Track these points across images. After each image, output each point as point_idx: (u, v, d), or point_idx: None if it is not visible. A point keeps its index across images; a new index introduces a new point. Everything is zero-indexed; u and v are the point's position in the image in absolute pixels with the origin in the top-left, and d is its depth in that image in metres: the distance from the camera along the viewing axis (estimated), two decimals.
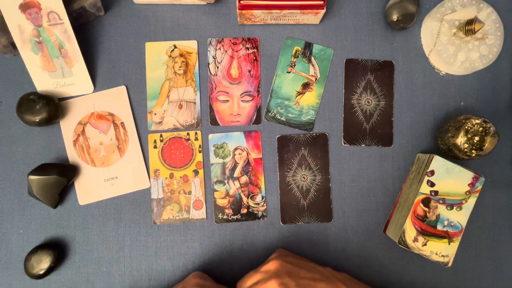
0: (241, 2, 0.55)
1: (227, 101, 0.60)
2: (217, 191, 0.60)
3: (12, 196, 0.58)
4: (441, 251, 0.53)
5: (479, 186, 0.54)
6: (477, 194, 0.54)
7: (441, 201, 0.54)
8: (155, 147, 0.59)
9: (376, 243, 0.60)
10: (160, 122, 0.60)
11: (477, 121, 0.54)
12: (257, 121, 0.60)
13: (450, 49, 0.59)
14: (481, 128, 0.54)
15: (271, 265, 0.51)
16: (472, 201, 0.54)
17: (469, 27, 0.57)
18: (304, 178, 0.60)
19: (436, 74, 0.62)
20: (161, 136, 0.60)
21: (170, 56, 0.60)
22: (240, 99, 0.60)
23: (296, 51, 0.61)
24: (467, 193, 0.54)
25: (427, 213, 0.54)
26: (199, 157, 0.60)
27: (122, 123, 0.59)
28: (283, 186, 0.60)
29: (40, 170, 0.54)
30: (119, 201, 0.59)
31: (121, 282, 0.58)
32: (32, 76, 0.57)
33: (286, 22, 0.60)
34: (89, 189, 0.59)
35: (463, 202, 0.54)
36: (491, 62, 0.59)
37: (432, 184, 0.54)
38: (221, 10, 0.61)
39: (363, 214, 0.61)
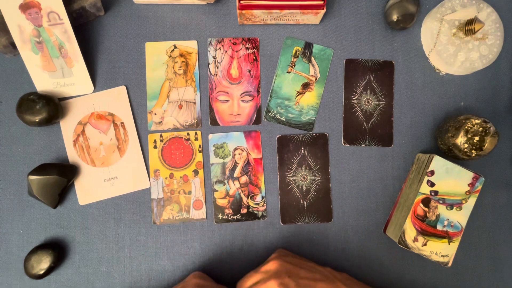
0: (241, 2, 0.55)
1: (227, 101, 0.60)
2: (217, 191, 0.60)
3: (12, 196, 0.58)
4: (441, 251, 0.53)
5: (479, 186, 0.54)
6: (477, 194, 0.54)
7: (441, 201, 0.54)
8: (155, 147, 0.59)
9: (376, 243, 0.60)
10: (160, 122, 0.60)
11: (477, 121, 0.54)
12: (257, 121, 0.60)
13: (450, 49, 0.59)
14: (481, 128, 0.54)
15: (271, 265, 0.51)
16: (472, 201, 0.54)
17: (469, 27, 0.57)
18: (304, 178, 0.60)
19: (436, 74, 0.62)
20: (161, 136, 0.60)
21: (170, 56, 0.60)
22: (240, 99, 0.60)
23: (296, 51, 0.61)
24: (467, 193, 0.54)
25: (427, 213, 0.54)
26: (199, 157, 0.60)
27: (122, 123, 0.59)
28: (283, 186, 0.60)
29: (40, 170, 0.54)
30: (119, 201, 0.59)
31: (121, 282, 0.58)
32: (32, 76, 0.57)
33: (286, 22, 0.60)
34: (89, 189, 0.59)
35: (463, 202, 0.54)
36: (491, 62, 0.59)
37: (432, 184, 0.54)
38: (221, 10, 0.61)
39: (363, 214, 0.61)
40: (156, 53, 0.60)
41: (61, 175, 0.54)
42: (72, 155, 0.59)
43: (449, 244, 0.53)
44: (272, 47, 0.61)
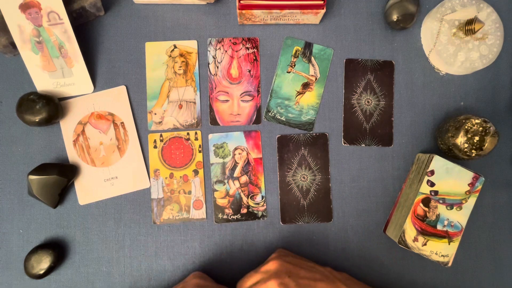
0: (241, 2, 0.55)
1: (227, 101, 0.60)
2: (217, 191, 0.60)
3: (12, 196, 0.58)
4: (441, 251, 0.53)
5: (479, 186, 0.54)
6: (477, 194, 0.54)
7: (441, 201, 0.54)
8: (155, 147, 0.59)
9: (376, 243, 0.60)
10: (160, 122, 0.60)
11: (477, 121, 0.54)
12: (257, 121, 0.60)
13: (450, 49, 0.59)
14: (481, 128, 0.54)
15: (271, 265, 0.51)
16: (472, 201, 0.54)
17: (469, 27, 0.57)
18: (304, 178, 0.60)
19: (436, 74, 0.62)
20: (161, 136, 0.60)
21: (170, 56, 0.60)
22: (240, 99, 0.60)
23: (296, 51, 0.61)
24: (467, 193, 0.54)
25: (427, 213, 0.54)
26: (199, 157, 0.60)
27: (122, 123, 0.59)
28: (283, 186, 0.60)
29: (40, 170, 0.54)
30: (119, 201, 0.59)
31: (121, 282, 0.58)
32: (32, 76, 0.57)
33: (286, 22, 0.60)
34: (89, 189, 0.59)
35: (463, 202, 0.54)
36: (491, 62, 0.59)
37: (432, 184, 0.54)
38: (221, 10, 0.61)
39: (363, 214, 0.61)
40: (156, 53, 0.60)
41: (61, 175, 0.55)
42: (72, 155, 0.59)
43: (449, 244, 0.53)
44: (272, 47, 0.61)
